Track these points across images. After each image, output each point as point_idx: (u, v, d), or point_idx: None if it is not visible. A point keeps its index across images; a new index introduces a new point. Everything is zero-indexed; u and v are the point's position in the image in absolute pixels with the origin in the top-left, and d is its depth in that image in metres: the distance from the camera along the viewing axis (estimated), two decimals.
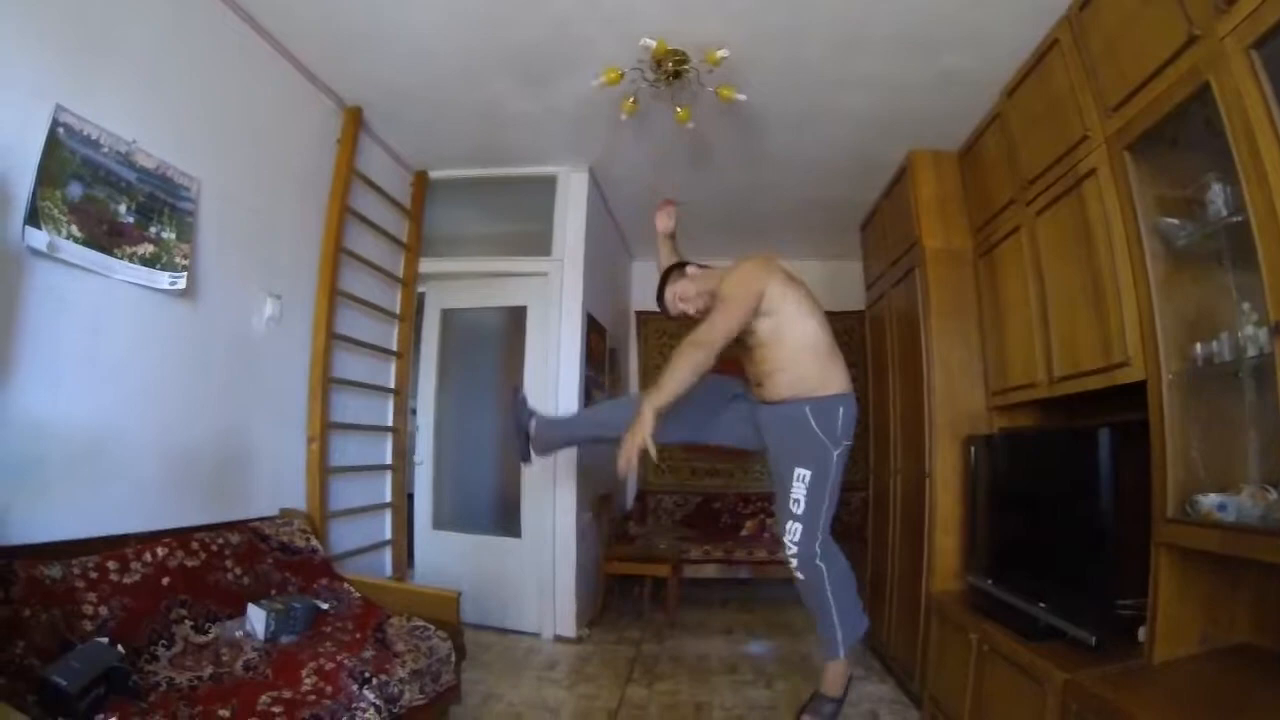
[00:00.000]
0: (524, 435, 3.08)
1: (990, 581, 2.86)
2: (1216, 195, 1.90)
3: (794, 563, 2.59)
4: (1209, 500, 1.89)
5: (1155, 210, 2.12)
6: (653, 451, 2.34)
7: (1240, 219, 1.76)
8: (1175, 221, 2.07)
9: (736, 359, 2.83)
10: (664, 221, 3.15)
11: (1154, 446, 2.05)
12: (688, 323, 2.73)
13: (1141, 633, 2.09)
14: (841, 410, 2.60)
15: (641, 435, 2.32)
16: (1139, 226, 2.13)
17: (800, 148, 4.15)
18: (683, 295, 2.77)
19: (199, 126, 2.70)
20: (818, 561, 2.57)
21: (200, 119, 2.71)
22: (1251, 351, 1.81)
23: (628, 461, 2.35)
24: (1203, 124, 1.83)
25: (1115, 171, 2.23)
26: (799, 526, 2.58)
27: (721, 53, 2.97)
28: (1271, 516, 1.71)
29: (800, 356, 2.64)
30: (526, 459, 3.16)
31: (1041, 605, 2.44)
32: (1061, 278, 2.62)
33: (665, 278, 2.83)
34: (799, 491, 2.59)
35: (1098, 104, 2.30)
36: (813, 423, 2.60)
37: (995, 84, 3.03)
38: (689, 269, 2.80)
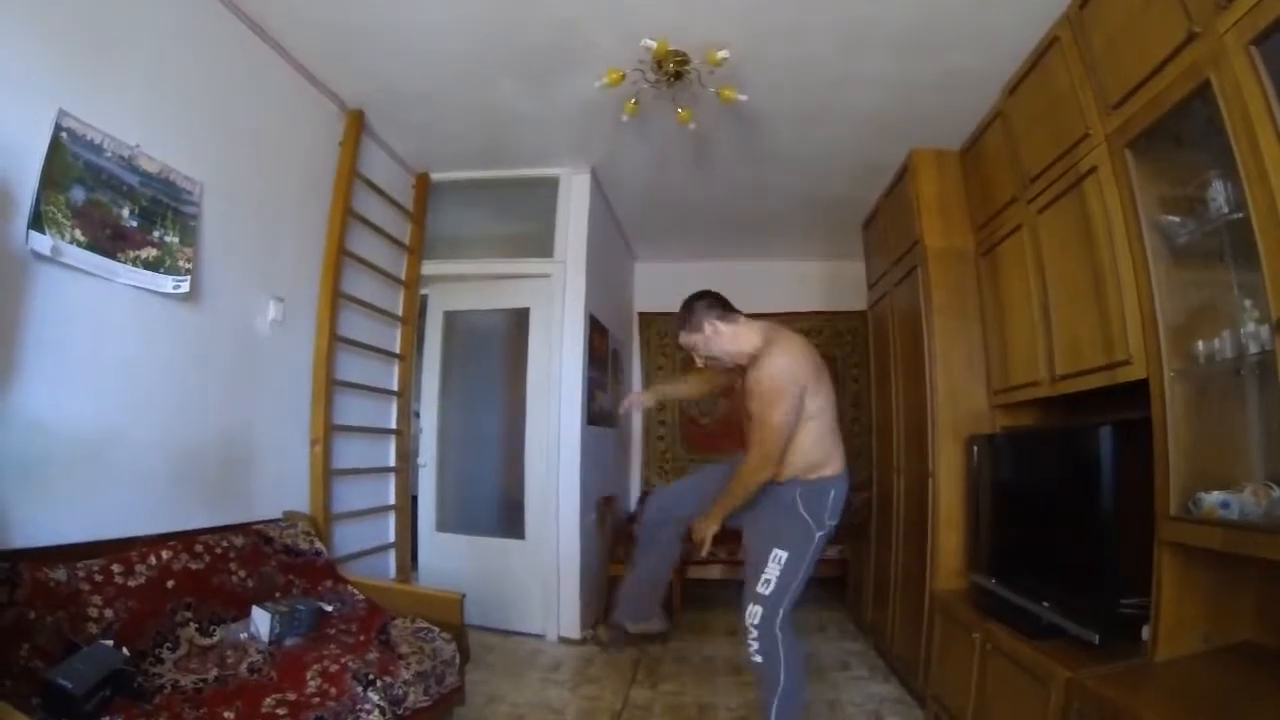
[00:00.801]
0: (623, 630, 3.16)
1: (993, 580, 2.86)
2: (1217, 192, 1.89)
3: (754, 646, 2.58)
4: (1211, 498, 1.89)
5: (1156, 208, 2.11)
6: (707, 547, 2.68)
7: (1241, 216, 1.76)
8: (1176, 219, 2.07)
9: (737, 422, 2.85)
10: (639, 404, 3.26)
11: (1156, 444, 2.04)
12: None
13: (1144, 631, 2.09)
14: (832, 493, 2.62)
15: (712, 528, 2.66)
16: (1140, 224, 2.13)
17: (803, 147, 4.15)
18: (690, 345, 2.72)
19: (202, 130, 2.71)
20: (777, 629, 2.58)
21: (203, 123, 2.72)
22: (1253, 349, 1.81)
23: (702, 543, 2.67)
24: (1203, 121, 1.83)
25: (1116, 169, 2.23)
26: (759, 610, 2.57)
27: (722, 53, 2.97)
28: (1274, 514, 1.71)
29: (802, 441, 2.62)
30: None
31: (1044, 604, 2.44)
32: (1063, 276, 2.61)
33: (687, 307, 2.69)
34: (772, 572, 2.58)
35: (1098, 102, 2.30)
36: (800, 506, 2.61)
37: (1001, 82, 3.01)
38: (707, 326, 2.62)
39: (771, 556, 2.59)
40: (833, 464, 2.62)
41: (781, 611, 2.59)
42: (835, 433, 2.65)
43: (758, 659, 2.58)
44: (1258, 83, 1.63)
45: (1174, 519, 1.97)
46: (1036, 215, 2.76)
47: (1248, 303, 1.86)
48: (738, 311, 2.69)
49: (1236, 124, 1.70)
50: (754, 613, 2.59)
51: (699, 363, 2.82)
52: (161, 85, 2.51)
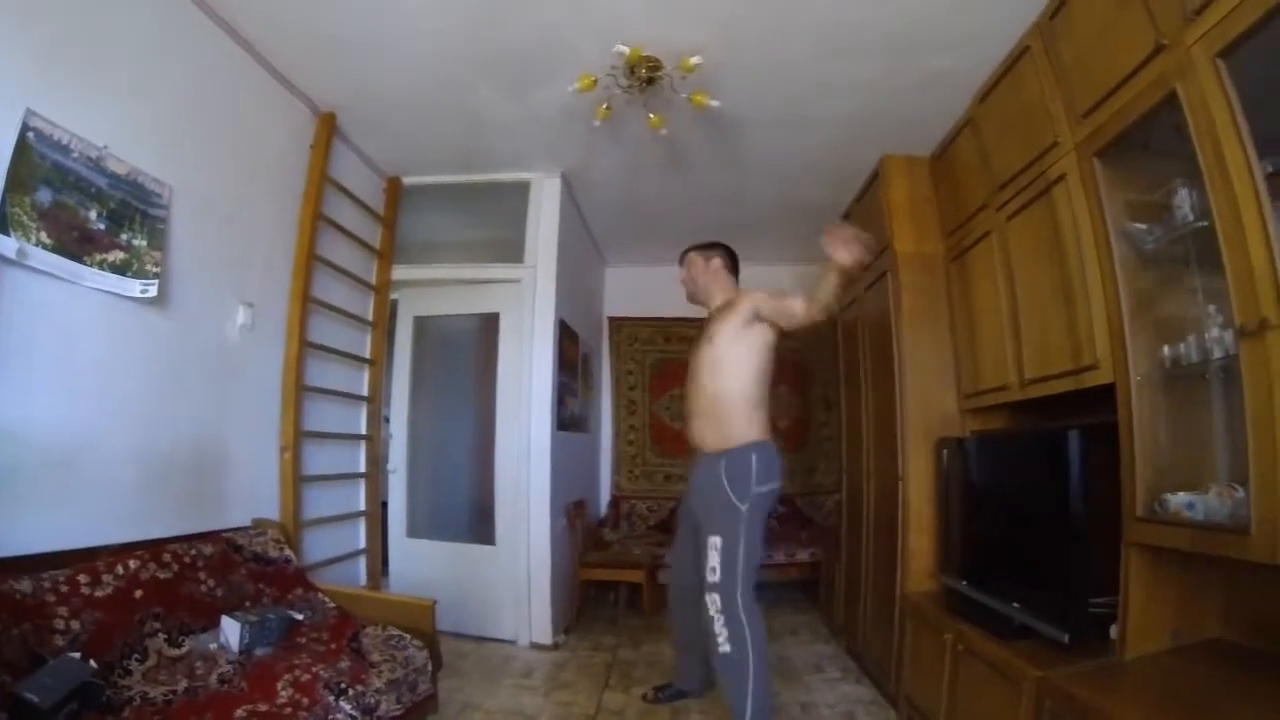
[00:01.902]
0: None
1: (964, 582, 2.89)
2: (1183, 200, 1.94)
3: (720, 636, 2.67)
4: (1178, 499, 1.93)
5: (1124, 215, 2.16)
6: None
7: (1206, 224, 1.81)
8: (1143, 226, 2.12)
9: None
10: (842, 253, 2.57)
11: (1123, 447, 2.09)
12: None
13: (1113, 630, 2.13)
14: (753, 458, 2.70)
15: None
16: (1107, 231, 2.17)
17: (776, 152, 4.17)
18: (688, 264, 3.31)
19: (172, 132, 2.65)
20: (740, 612, 2.67)
21: (173, 125, 2.66)
22: (1218, 354, 1.85)
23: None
24: (1170, 130, 1.87)
25: (1084, 177, 2.28)
26: (716, 598, 2.70)
27: (695, 59, 2.97)
28: (1239, 514, 1.74)
29: (741, 408, 2.80)
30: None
31: (1015, 605, 2.47)
32: (1032, 281, 2.66)
33: (711, 244, 3.32)
34: (714, 560, 2.72)
35: (1068, 110, 2.34)
36: (724, 480, 2.74)
37: (978, 86, 3.06)
38: (712, 261, 3.25)
39: (709, 545, 2.73)
40: (754, 430, 2.76)
41: (739, 593, 2.69)
42: (762, 407, 2.82)
43: (726, 649, 2.65)
44: (1223, 94, 1.67)
45: (1141, 520, 2.01)
46: (1006, 222, 2.81)
47: (1212, 308, 1.91)
48: (734, 276, 3.27)
49: (1202, 134, 1.74)
50: (712, 601, 2.69)
51: (688, 292, 3.33)
52: (132, 85, 2.46)
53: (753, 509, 2.73)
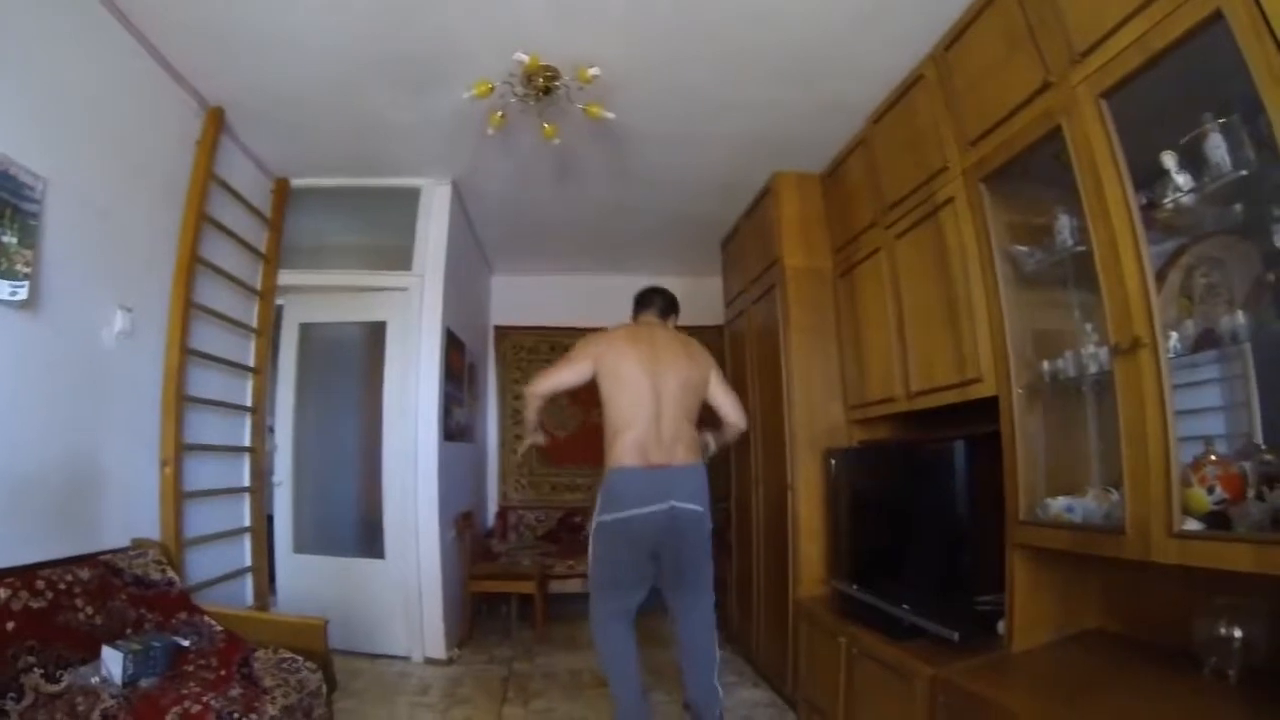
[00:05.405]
0: None
1: (855, 586, 3.00)
2: (1064, 227, 2.10)
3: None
4: (1058, 503, 2.09)
5: (1007, 238, 2.32)
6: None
7: (1084, 249, 1.96)
8: (1025, 249, 2.28)
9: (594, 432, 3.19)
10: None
11: (1006, 455, 2.24)
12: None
13: (1000, 626, 2.27)
14: (609, 481, 2.75)
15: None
16: (992, 252, 2.33)
17: (668, 166, 4.21)
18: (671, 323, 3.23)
19: (49, 121, 2.41)
20: (594, 629, 2.81)
21: (50, 113, 2.42)
22: (1093, 369, 2.02)
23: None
24: (1054, 161, 2.01)
25: (971, 201, 2.42)
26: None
27: (593, 70, 2.97)
28: (1114, 516, 1.90)
29: (607, 433, 2.84)
30: None
31: (904, 606, 2.58)
32: (919, 298, 2.80)
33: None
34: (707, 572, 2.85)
35: (957, 138, 2.49)
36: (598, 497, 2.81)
37: (870, 111, 3.19)
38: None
39: (704, 556, 2.83)
40: (611, 457, 2.77)
41: (594, 612, 2.80)
42: (623, 432, 2.76)
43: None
44: (1104, 132, 1.82)
45: (1024, 523, 2.16)
46: (895, 240, 2.95)
47: (1089, 326, 2.08)
48: (638, 314, 3.19)
49: (1084, 168, 1.89)
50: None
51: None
52: (5, 68, 2.22)
53: (603, 531, 2.76)
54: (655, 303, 3.15)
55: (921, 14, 2.59)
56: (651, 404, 2.75)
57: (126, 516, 2.78)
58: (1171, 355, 1.70)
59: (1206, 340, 1.71)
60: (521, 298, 6.48)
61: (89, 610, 2.19)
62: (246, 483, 3.80)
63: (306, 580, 4.27)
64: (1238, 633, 1.73)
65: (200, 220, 3.25)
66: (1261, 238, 1.65)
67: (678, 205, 4.85)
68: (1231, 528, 1.56)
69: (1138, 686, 1.83)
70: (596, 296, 5.47)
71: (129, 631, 2.29)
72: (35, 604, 2.02)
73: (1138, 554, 1.72)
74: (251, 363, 3.89)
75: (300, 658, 2.42)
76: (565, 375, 2.86)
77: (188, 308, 3.15)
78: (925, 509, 2.64)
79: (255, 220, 3.94)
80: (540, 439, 3.18)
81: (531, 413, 2.98)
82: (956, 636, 2.30)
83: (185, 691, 2.01)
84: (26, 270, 2.24)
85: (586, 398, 3.18)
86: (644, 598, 2.82)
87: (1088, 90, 1.85)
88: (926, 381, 2.75)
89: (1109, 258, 1.82)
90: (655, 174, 4.34)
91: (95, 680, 2.03)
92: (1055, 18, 1.96)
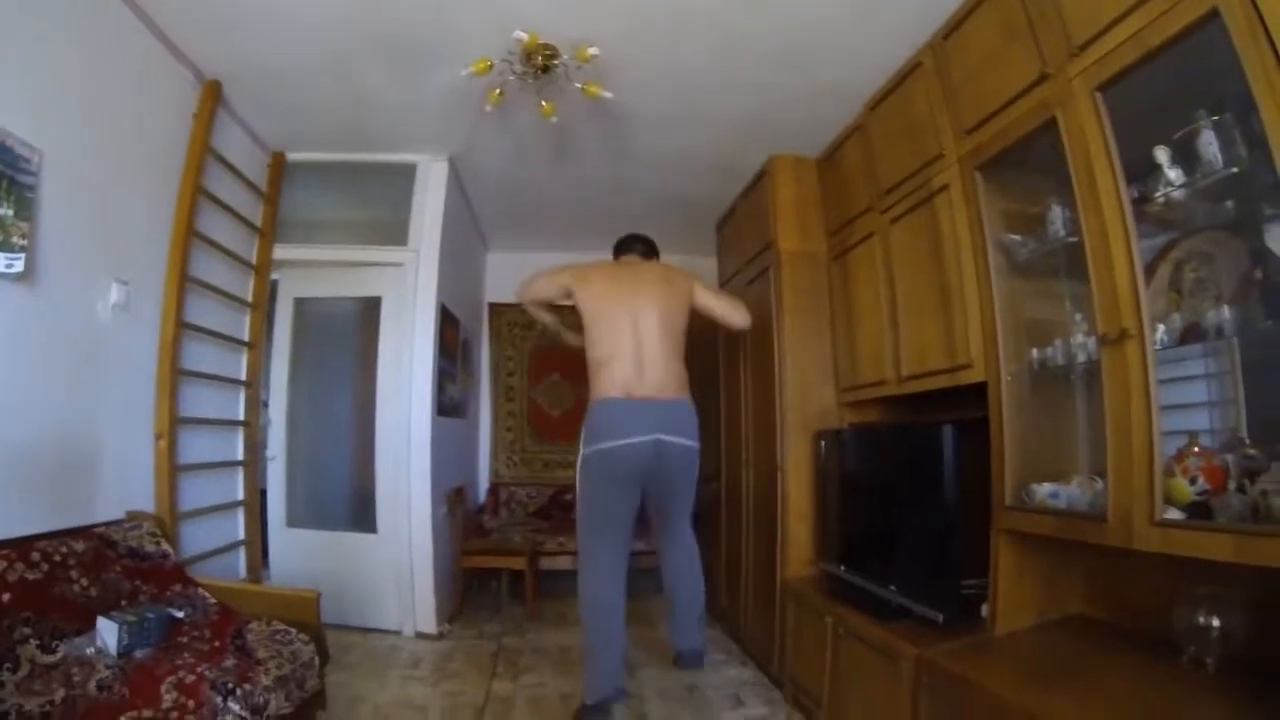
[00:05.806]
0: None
1: (842, 568, 3.05)
2: (1056, 217, 2.12)
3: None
4: (1043, 489, 2.13)
5: (1001, 226, 2.34)
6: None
7: (1076, 240, 1.98)
8: (1018, 238, 2.30)
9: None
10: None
11: (993, 441, 2.27)
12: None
13: (984, 609, 2.32)
14: (593, 412, 2.80)
15: None
16: (985, 240, 2.34)
17: (665, 146, 4.20)
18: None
19: (46, 93, 2.39)
20: (580, 569, 2.82)
21: (48, 85, 2.40)
22: (1082, 358, 2.05)
23: None
24: (1048, 151, 2.03)
25: (966, 189, 2.44)
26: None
27: (592, 50, 2.96)
28: (1098, 503, 1.93)
29: (590, 367, 2.88)
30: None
31: (891, 588, 2.63)
32: (912, 283, 2.82)
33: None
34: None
35: (953, 126, 2.50)
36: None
37: (866, 97, 3.19)
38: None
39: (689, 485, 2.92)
40: (594, 390, 2.84)
41: (584, 559, 2.81)
42: (605, 364, 2.83)
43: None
44: (1099, 125, 1.83)
45: (1009, 508, 2.20)
46: (889, 225, 2.97)
47: (1078, 316, 2.11)
48: (620, 255, 3.37)
49: (1078, 160, 1.90)
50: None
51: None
52: (1, 40, 2.20)
53: (591, 461, 2.80)
54: (635, 248, 3.29)
55: (920, 3, 2.60)
56: (631, 339, 2.82)
57: (121, 489, 2.79)
58: (1158, 347, 1.73)
59: (1192, 334, 1.74)
60: (516, 275, 6.31)
61: (84, 582, 2.21)
62: (240, 456, 3.82)
63: (299, 554, 4.29)
64: (1216, 622, 1.76)
65: (196, 194, 3.24)
66: (1251, 235, 1.67)
67: (674, 186, 4.84)
68: (1212, 518, 1.60)
69: (1117, 672, 1.87)
70: None
71: (124, 603, 2.32)
72: (31, 575, 2.04)
73: (1120, 541, 1.76)
74: (246, 337, 3.88)
75: (293, 630, 2.45)
76: (543, 285, 3.05)
77: (183, 281, 3.14)
78: (913, 492, 2.67)
79: (251, 194, 3.92)
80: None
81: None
82: (941, 619, 2.34)
83: (180, 662, 2.04)
84: (22, 243, 2.24)
85: (579, 375, 3.16)
86: (632, 540, 2.87)
87: (1083, 83, 1.86)
88: (918, 366, 2.78)
89: (1100, 249, 1.85)
90: (652, 154, 4.32)
91: (90, 651, 2.05)
92: (1053, 11, 1.97)
